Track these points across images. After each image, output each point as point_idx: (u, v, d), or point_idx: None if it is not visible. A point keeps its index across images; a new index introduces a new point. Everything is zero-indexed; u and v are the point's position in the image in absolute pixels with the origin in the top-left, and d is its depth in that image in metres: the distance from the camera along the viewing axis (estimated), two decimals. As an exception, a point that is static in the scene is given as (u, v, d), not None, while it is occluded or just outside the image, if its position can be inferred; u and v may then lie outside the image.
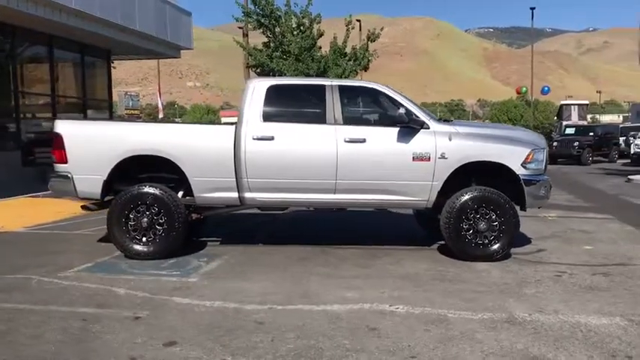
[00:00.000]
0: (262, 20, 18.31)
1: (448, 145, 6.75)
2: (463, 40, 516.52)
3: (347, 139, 6.74)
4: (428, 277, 6.07)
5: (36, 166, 14.55)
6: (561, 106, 36.55)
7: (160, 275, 6.14)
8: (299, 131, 6.85)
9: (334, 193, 6.84)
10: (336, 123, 6.83)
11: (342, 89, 6.96)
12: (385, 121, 6.97)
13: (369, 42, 18.04)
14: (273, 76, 18.33)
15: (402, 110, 6.72)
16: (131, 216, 6.74)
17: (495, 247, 6.73)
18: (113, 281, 5.85)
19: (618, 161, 28.09)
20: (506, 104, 76.16)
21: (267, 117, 6.84)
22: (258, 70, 19.45)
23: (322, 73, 17.83)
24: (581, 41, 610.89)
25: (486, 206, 6.73)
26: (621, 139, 29.15)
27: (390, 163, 6.78)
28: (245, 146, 6.74)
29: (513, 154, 6.83)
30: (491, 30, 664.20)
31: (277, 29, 18.28)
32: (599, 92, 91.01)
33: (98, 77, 17.89)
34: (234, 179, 6.79)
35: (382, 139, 6.81)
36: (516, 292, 5.57)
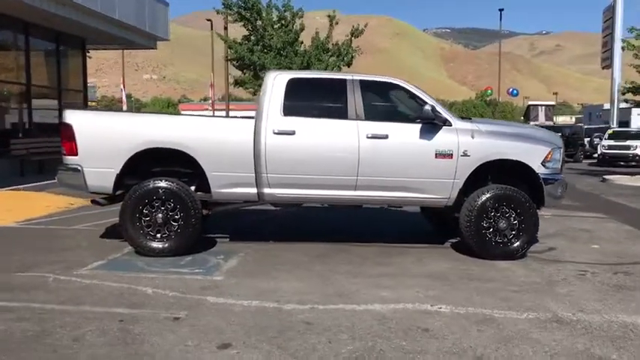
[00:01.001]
0: (243, 13, 18.00)
1: (471, 143, 6.71)
2: (421, 39, 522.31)
3: (369, 135, 6.62)
4: (455, 276, 6.01)
5: (11, 158, 13.93)
6: (529, 106, 37.31)
7: (183, 273, 5.90)
8: (321, 126, 6.69)
9: (355, 190, 6.72)
10: (357, 118, 6.70)
11: (363, 84, 6.84)
12: (407, 117, 6.87)
13: (353, 38, 17.96)
14: (254, 69, 18.08)
15: (426, 107, 6.63)
16: (145, 211, 6.46)
17: (516, 245, 6.72)
18: (135, 280, 5.60)
19: (584, 161, 28.83)
20: (465, 104, 77.57)
21: (287, 111, 6.66)
22: (237, 64, 19.13)
23: (306, 68, 17.66)
24: (534, 44, 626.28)
25: (507, 205, 6.71)
26: (586, 139, 29.92)
27: (413, 160, 6.69)
28: (265, 140, 6.54)
29: (534, 152, 6.84)
30: (448, 30, 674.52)
31: (259, 22, 17.99)
32: (556, 94, 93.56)
33: (73, 67, 17.25)
34: (254, 174, 6.59)
35: (405, 135, 6.72)
36: (549, 291, 5.57)
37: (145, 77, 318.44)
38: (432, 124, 6.69)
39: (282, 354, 3.92)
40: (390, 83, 7.05)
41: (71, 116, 6.55)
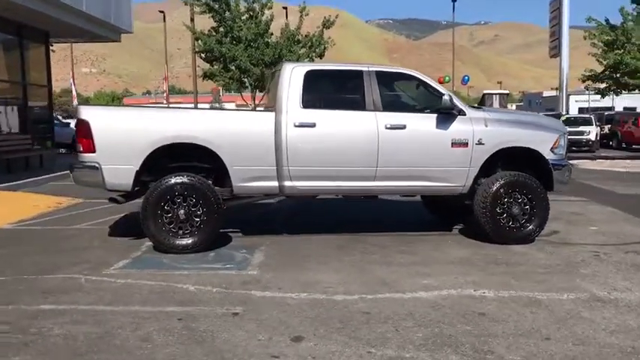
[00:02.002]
0: (212, 4, 17.73)
1: (485, 131, 6.88)
2: (365, 30, 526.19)
3: (388, 126, 6.70)
4: (482, 262, 6.17)
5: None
6: (484, 95, 38.22)
7: (216, 269, 5.84)
8: (340, 118, 6.73)
9: (374, 180, 6.79)
10: (375, 109, 6.76)
11: (379, 75, 6.90)
12: (424, 107, 6.98)
13: (325, 29, 17.97)
14: (224, 61, 17.88)
15: (444, 97, 6.75)
16: (167, 208, 6.35)
17: (529, 229, 6.95)
18: (170, 277, 5.51)
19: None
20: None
21: (306, 103, 6.65)
22: (204, 56, 18.85)
23: (277, 60, 17.57)
24: (474, 34, 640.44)
25: (519, 191, 6.92)
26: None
27: (430, 149, 6.82)
28: (286, 133, 6.53)
29: (544, 139, 7.07)
30: (390, 21, 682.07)
31: (227, 14, 17.77)
32: (500, 83, 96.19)
33: (37, 61, 16.56)
34: (275, 167, 6.56)
35: (422, 125, 6.83)
36: (574, 272, 5.79)
37: (84, 71, 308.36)
38: (447, 114, 6.83)
39: (358, 343, 3.96)
40: (405, 74, 7.14)
41: (87, 112, 6.36)
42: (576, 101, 65.66)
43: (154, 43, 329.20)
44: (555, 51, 32.93)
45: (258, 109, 18.42)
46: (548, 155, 7.06)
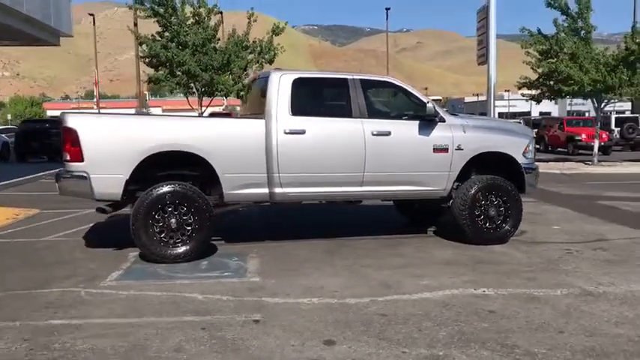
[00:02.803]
0: (157, 8, 17.39)
1: (463, 137, 7.19)
2: (291, 36, 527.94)
3: (374, 132, 6.88)
4: (469, 262, 6.44)
5: None
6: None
7: (216, 277, 5.81)
8: (329, 125, 6.85)
9: (361, 185, 6.96)
10: (361, 116, 6.93)
11: (363, 83, 7.07)
12: (406, 114, 7.21)
13: (274, 35, 18.00)
14: (171, 66, 17.59)
15: (429, 105, 7.00)
16: (158, 217, 6.26)
17: (504, 230, 7.30)
18: (173, 287, 5.46)
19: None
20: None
21: (295, 111, 6.73)
22: (148, 61, 18.45)
23: (226, 65, 17.46)
24: (397, 41, 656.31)
25: (495, 194, 7.27)
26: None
27: (414, 155, 7.05)
28: (277, 140, 6.58)
29: (516, 144, 7.46)
30: (316, 27, 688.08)
31: (173, 19, 17.48)
32: (426, 88, 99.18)
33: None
34: (266, 174, 6.60)
35: (405, 132, 7.05)
36: (557, 269, 6.16)
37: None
38: (429, 121, 7.09)
39: (389, 344, 4.09)
40: (388, 82, 7.36)
41: (74, 120, 6.17)
42: (495, 106, 68.49)
43: (72, 47, 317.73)
44: (483, 59, 34.29)
45: (205, 114, 18.24)
46: (521, 159, 7.45)
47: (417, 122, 7.08)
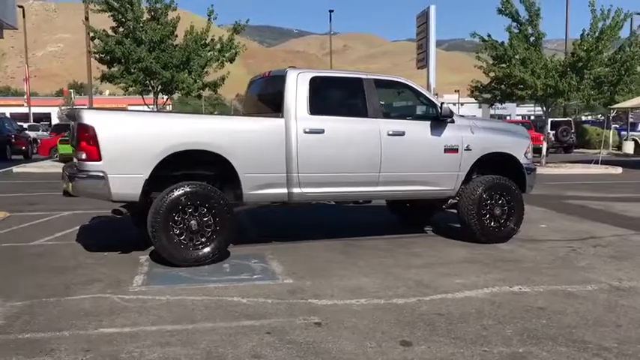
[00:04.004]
0: (112, 3, 16.73)
1: (471, 138, 7.32)
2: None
3: (390, 132, 6.89)
4: (487, 260, 6.55)
5: None
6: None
7: (246, 280, 5.63)
8: (347, 124, 6.79)
9: (376, 185, 6.95)
10: (376, 116, 6.92)
11: (377, 83, 7.07)
12: (419, 114, 7.27)
13: (235, 33, 17.69)
14: (126, 63, 16.98)
15: (431, 104, 7.08)
16: (177, 219, 6.01)
17: (509, 228, 7.49)
18: (210, 291, 5.25)
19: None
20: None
21: (314, 110, 6.63)
22: (99, 57, 17.74)
23: (186, 63, 17.01)
24: (324, 43, 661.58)
25: (500, 193, 7.44)
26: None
27: (426, 155, 7.11)
28: (297, 140, 6.47)
29: (519, 145, 7.67)
30: (244, 28, 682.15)
31: (130, 14, 16.86)
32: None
33: None
34: (285, 174, 6.47)
35: (419, 132, 7.10)
36: (573, 265, 6.37)
37: None
38: (440, 121, 7.16)
39: (465, 343, 4.08)
40: (400, 82, 7.37)
41: (91, 117, 5.80)
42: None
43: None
44: (422, 63, 35.18)
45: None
46: (522, 160, 7.66)
47: (429, 122, 7.14)
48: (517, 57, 18.51)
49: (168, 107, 26.02)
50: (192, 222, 6.03)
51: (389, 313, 4.70)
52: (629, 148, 30.61)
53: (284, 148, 6.42)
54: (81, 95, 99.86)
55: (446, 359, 3.83)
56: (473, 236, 7.41)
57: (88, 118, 5.79)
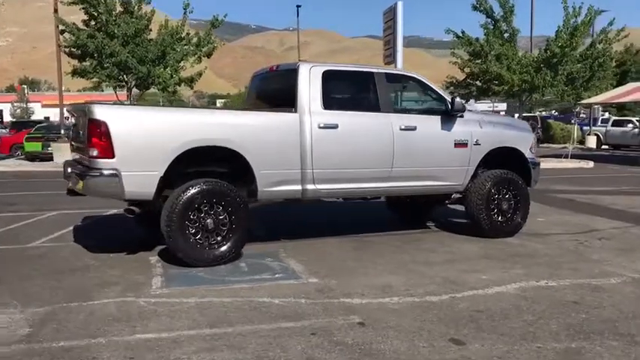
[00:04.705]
0: (84, -5, 16.19)
1: (480, 132, 7.29)
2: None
3: (402, 127, 6.80)
4: (504, 255, 6.52)
5: None
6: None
7: (271, 280, 5.46)
8: (360, 119, 6.67)
9: (388, 181, 6.85)
10: (388, 110, 6.82)
11: (388, 77, 6.97)
12: (428, 109, 7.19)
13: (213, 27, 17.32)
14: (99, 58, 16.47)
15: (444, 99, 7.03)
16: (193, 218, 5.79)
17: (516, 222, 7.51)
18: (237, 292, 5.08)
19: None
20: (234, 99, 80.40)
21: (327, 104, 6.48)
22: (69, 51, 17.17)
23: (161, 58, 16.58)
24: (284, 39, 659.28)
25: (507, 187, 7.45)
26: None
27: (437, 150, 7.05)
28: (311, 135, 6.31)
29: (525, 140, 7.69)
30: (203, 22, 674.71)
31: (102, 7, 16.34)
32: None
33: None
34: (300, 171, 6.32)
35: (429, 126, 7.03)
36: (587, 259, 6.41)
37: None
38: (449, 116, 7.10)
39: (514, 340, 4.02)
40: (409, 76, 7.28)
41: (103, 112, 5.52)
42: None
43: None
44: (390, 59, 35.41)
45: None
46: (528, 154, 7.69)
47: (439, 117, 7.09)
48: (492, 53, 18.70)
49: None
50: (209, 220, 5.83)
51: (428, 311, 4.61)
52: (591, 142, 31.47)
53: (299, 143, 6.26)
54: (35, 91, 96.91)
55: (503, 357, 3.76)
56: (481, 231, 7.39)
57: (101, 113, 5.51)
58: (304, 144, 6.28)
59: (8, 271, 5.80)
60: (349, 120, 6.57)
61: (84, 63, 16.88)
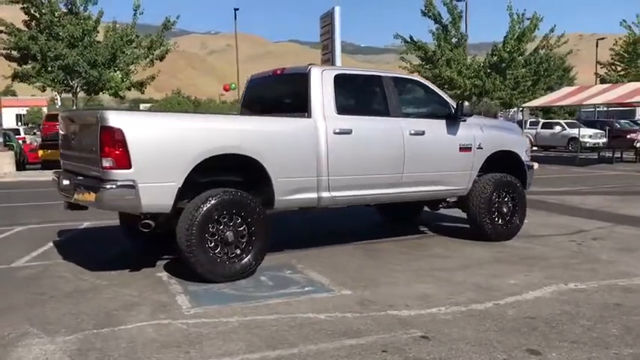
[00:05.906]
0: (27, -5, 15.18)
1: (482, 136, 7.30)
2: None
3: (412, 132, 6.70)
4: (517, 259, 6.53)
5: None
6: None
7: (303, 294, 5.20)
8: (372, 124, 6.50)
9: (399, 187, 6.73)
10: (397, 115, 6.70)
11: (395, 81, 6.84)
12: (434, 113, 7.11)
13: (165, 29, 16.64)
14: (43, 60, 15.53)
15: (447, 103, 6.99)
16: (212, 230, 5.44)
17: (515, 224, 7.56)
18: (275, 308, 4.79)
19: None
20: (169, 101, 78.35)
21: (340, 109, 6.28)
22: (6, 54, 16.09)
23: (111, 61, 15.79)
24: (206, 43, 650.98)
25: (506, 190, 7.49)
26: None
27: (444, 154, 6.99)
28: (327, 141, 6.09)
29: (522, 143, 7.77)
30: (117, 24, 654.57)
31: (46, 7, 15.39)
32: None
33: None
34: (315, 178, 6.08)
35: (436, 131, 6.96)
36: (596, 259, 6.50)
37: None
38: (454, 120, 7.06)
39: (589, 348, 3.95)
40: (414, 80, 7.20)
41: (119, 119, 5.06)
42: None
43: None
44: (328, 64, 35.77)
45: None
46: (524, 157, 7.77)
47: (444, 121, 7.03)
48: (443, 58, 19.04)
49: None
50: (229, 233, 5.48)
51: (483, 321, 4.49)
52: (525, 144, 32.68)
53: (314, 150, 6.02)
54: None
55: (587, 366, 3.69)
56: (483, 235, 7.38)
57: (115, 120, 5.05)
58: (319, 150, 6.05)
59: (8, 295, 5.23)
60: (362, 125, 6.39)
61: (24, 66, 15.83)
